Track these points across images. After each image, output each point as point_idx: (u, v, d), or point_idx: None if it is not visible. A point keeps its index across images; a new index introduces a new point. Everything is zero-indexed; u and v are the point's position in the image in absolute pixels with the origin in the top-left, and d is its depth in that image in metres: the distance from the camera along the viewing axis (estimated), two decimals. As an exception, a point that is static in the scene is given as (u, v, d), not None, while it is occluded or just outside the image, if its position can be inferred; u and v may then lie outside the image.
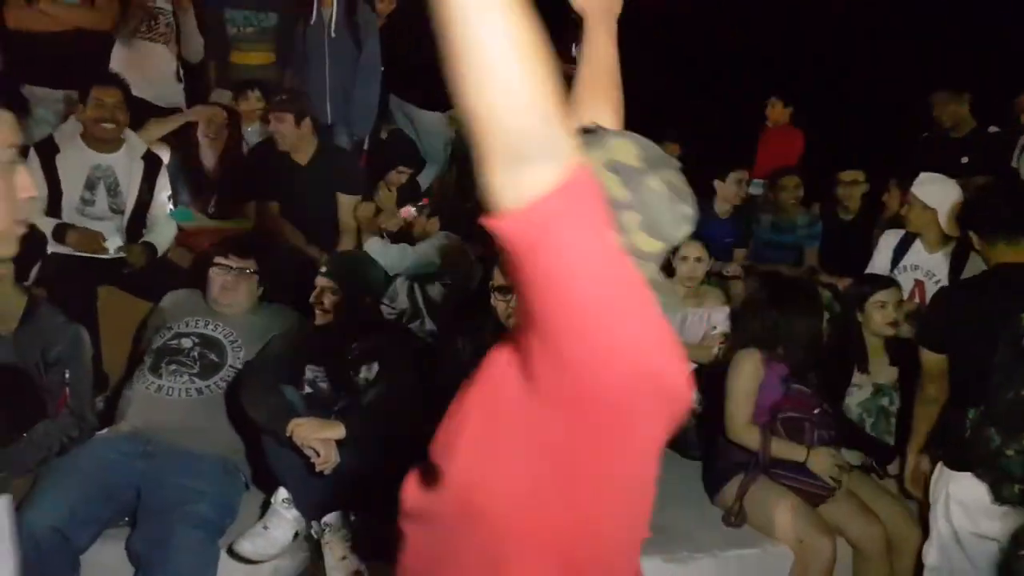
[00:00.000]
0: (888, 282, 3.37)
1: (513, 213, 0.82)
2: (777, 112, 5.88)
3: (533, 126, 0.80)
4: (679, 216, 1.09)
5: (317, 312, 2.85)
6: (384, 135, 5.00)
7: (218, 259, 3.10)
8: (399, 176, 4.31)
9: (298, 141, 3.99)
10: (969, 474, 2.55)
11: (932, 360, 2.85)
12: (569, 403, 0.95)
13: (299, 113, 3.99)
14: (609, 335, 0.89)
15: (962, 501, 2.59)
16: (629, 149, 1.08)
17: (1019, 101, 4.95)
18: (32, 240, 3.12)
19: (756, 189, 5.38)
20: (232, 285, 3.07)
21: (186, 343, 2.97)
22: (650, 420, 1.00)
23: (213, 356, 2.94)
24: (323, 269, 2.91)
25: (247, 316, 3.10)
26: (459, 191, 4.96)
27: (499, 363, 1.06)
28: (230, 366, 2.93)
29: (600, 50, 1.47)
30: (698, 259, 3.65)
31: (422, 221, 3.98)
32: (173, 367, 2.89)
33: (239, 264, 3.08)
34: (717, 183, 4.67)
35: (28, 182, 1.18)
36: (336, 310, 2.83)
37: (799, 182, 4.90)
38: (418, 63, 4.05)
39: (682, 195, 1.09)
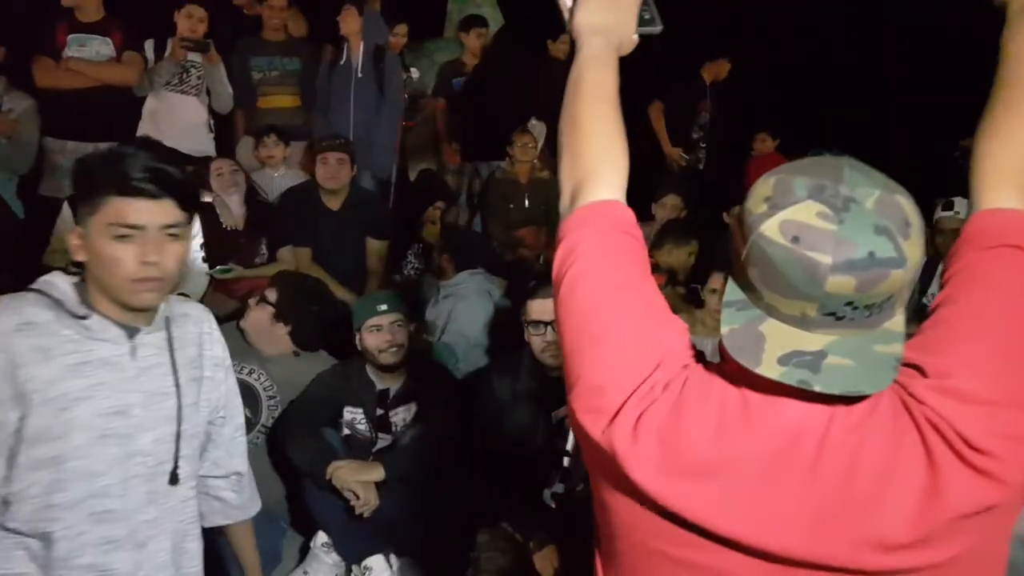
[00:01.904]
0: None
1: None
2: (766, 146, 5.83)
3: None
4: (811, 265, 0.90)
5: (389, 352, 2.77)
6: (412, 176, 5.08)
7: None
8: (435, 212, 4.38)
9: (344, 185, 4.04)
10: None
11: None
12: None
13: (352, 156, 4.05)
14: (563, 349, 1.05)
15: None
16: (760, 187, 0.97)
17: None
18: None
19: None
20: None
21: None
22: (595, 474, 1.04)
23: (246, 410, 2.83)
24: (383, 307, 2.82)
25: (290, 364, 2.93)
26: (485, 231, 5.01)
27: None
28: (262, 425, 2.84)
29: None
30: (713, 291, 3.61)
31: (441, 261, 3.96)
32: None
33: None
34: (726, 216, 4.68)
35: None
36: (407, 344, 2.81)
37: None
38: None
39: (819, 236, 0.90)
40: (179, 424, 1.48)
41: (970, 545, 0.89)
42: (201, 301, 3.65)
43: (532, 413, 2.62)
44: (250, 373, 2.87)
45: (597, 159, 1.10)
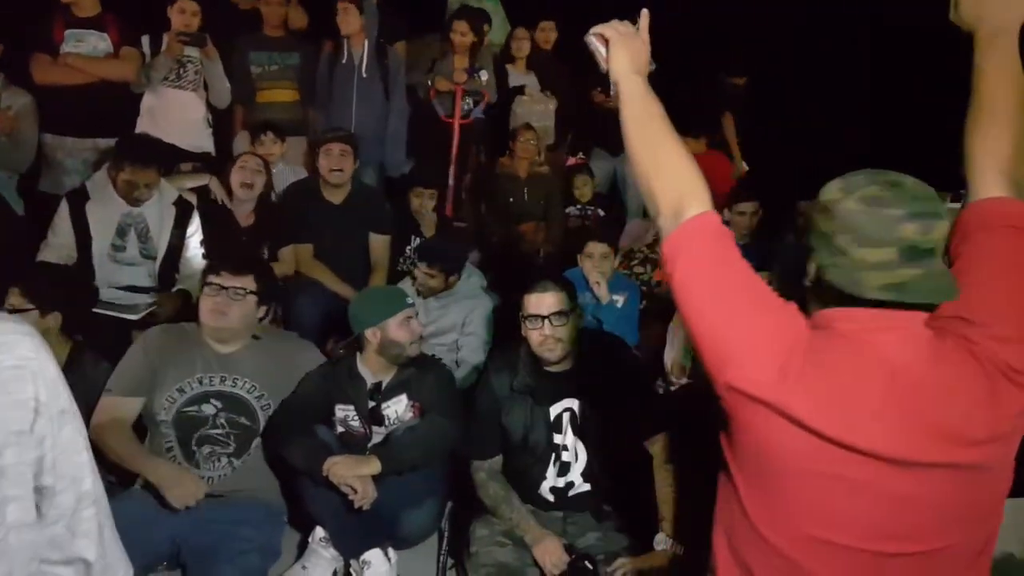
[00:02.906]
0: None
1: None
2: (691, 146, 5.79)
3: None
4: (887, 219, 1.27)
5: (417, 343, 2.81)
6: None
7: (209, 278, 2.72)
8: (419, 200, 4.29)
9: (347, 178, 4.01)
10: None
11: None
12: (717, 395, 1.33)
13: (355, 149, 4.03)
14: (705, 342, 1.30)
15: None
16: (830, 187, 1.34)
17: None
18: (81, 290, 3.12)
19: None
20: (222, 307, 2.67)
21: (208, 410, 2.68)
22: (754, 425, 1.30)
23: (244, 419, 2.70)
24: (411, 300, 2.89)
25: (257, 355, 2.76)
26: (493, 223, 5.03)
27: None
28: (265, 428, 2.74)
29: (1001, 69, 1.42)
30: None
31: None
32: (208, 450, 2.67)
33: (232, 283, 2.69)
34: (727, 213, 4.65)
35: None
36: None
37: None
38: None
39: (886, 201, 1.27)
40: None
41: (1012, 442, 1.31)
42: (199, 300, 3.68)
43: (529, 408, 2.62)
44: (223, 381, 2.71)
45: (689, 177, 1.37)
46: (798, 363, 1.26)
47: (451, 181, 5.01)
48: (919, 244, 1.26)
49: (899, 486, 1.28)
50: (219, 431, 2.68)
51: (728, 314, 1.29)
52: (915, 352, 1.28)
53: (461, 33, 4.97)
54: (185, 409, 2.66)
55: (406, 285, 3.68)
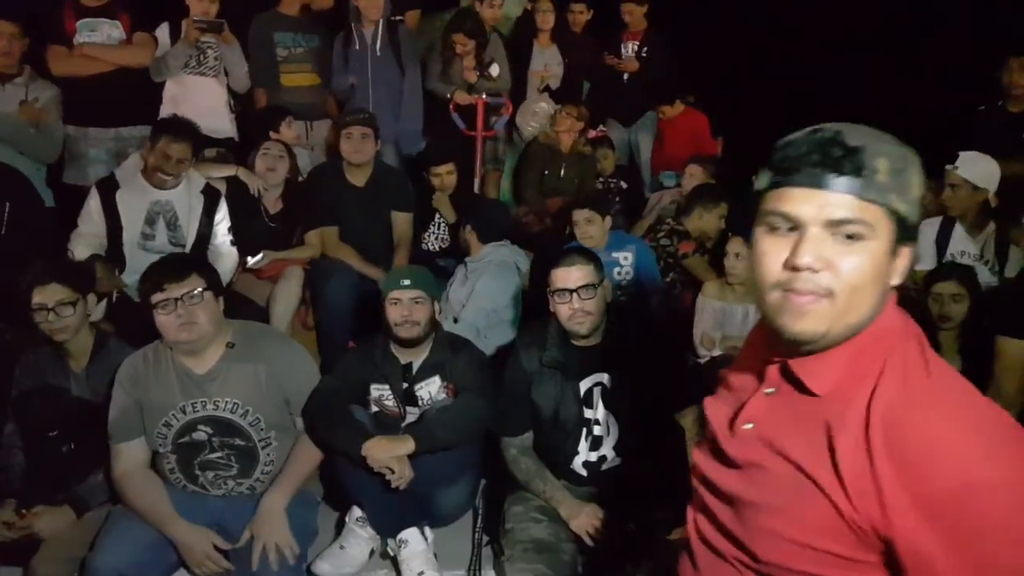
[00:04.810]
0: (946, 274, 3.20)
1: None
2: (668, 110, 5.57)
3: None
4: None
5: (405, 327, 2.77)
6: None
7: (154, 298, 2.46)
8: (438, 178, 4.25)
9: (369, 160, 4.01)
10: None
11: (1012, 350, 2.66)
12: None
13: (376, 131, 4.03)
14: None
15: None
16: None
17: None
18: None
19: (669, 181, 5.24)
20: (187, 318, 2.45)
21: (200, 436, 2.56)
22: None
23: (237, 440, 2.58)
24: (406, 282, 2.82)
25: (233, 368, 2.56)
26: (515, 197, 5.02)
27: None
28: (261, 441, 2.60)
29: None
30: (737, 255, 3.56)
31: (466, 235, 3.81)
32: (211, 475, 2.60)
33: (182, 291, 2.45)
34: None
35: None
36: (428, 321, 2.81)
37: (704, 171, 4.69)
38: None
39: None
40: None
41: None
42: (230, 284, 3.71)
43: (559, 383, 2.61)
44: (204, 406, 2.56)
45: None
46: None
47: (476, 190, 4.94)
48: None
49: None
50: (218, 455, 2.59)
51: None
52: None
53: (461, 44, 4.86)
54: (179, 440, 2.57)
55: None
